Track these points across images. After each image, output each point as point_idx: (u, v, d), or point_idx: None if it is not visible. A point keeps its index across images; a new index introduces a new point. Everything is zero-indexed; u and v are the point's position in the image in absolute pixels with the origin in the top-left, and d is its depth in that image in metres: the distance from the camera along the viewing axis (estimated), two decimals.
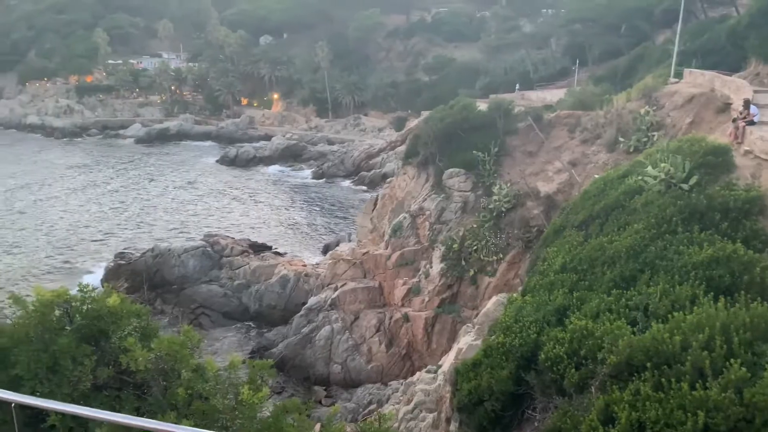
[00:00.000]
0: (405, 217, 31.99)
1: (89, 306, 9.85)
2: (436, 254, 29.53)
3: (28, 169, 73.13)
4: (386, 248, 32.36)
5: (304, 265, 39.01)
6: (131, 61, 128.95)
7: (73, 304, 10.00)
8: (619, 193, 16.69)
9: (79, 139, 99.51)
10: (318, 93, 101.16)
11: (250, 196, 62.65)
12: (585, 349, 10.01)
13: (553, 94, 49.45)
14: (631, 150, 24.99)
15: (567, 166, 27.41)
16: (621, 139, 26.02)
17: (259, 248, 42.81)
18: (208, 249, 40.28)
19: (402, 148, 49.26)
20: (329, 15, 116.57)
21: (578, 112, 30.68)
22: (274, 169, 76.53)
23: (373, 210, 38.88)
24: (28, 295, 10.02)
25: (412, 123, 65.96)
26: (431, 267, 29.60)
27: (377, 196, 40.93)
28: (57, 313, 9.23)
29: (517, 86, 63.37)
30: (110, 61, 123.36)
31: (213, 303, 36.75)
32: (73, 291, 10.76)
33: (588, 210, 17.08)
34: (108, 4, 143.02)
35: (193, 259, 39.38)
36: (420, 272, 30.05)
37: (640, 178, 16.58)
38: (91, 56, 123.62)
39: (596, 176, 21.58)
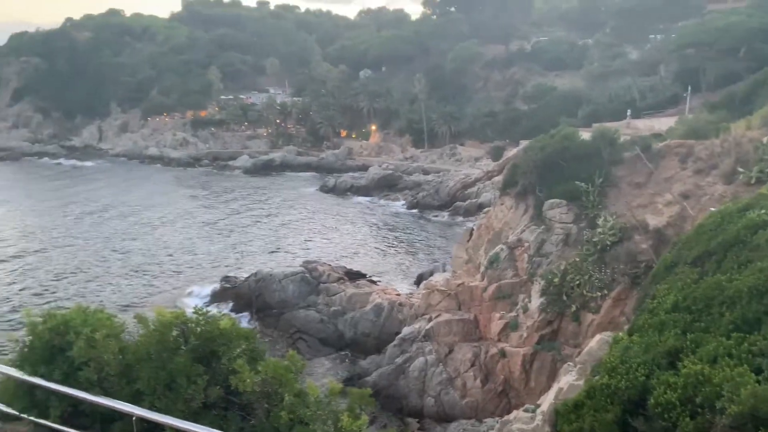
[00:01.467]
0: (502, 249, 31.52)
1: (203, 328, 10.46)
2: (536, 288, 28.75)
3: (145, 195, 79.54)
4: (482, 280, 31.97)
5: (398, 295, 39.15)
6: (241, 96, 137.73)
7: (189, 325, 10.64)
8: (739, 227, 15.52)
9: (192, 168, 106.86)
10: (415, 123, 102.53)
11: (347, 225, 64.15)
12: (701, 396, 9.31)
13: (661, 123, 47.09)
14: (753, 182, 23.20)
15: (678, 199, 25.82)
16: (740, 170, 24.25)
17: (354, 276, 43.52)
18: (307, 275, 41.51)
19: (499, 178, 48.65)
20: (427, 47, 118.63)
21: (691, 141, 28.95)
22: (369, 198, 78.06)
23: (468, 240, 38.49)
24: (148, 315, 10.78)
25: (510, 152, 65.10)
26: (530, 301, 28.83)
27: (473, 226, 40.52)
28: (174, 333, 9.86)
29: (629, 113, 60.77)
30: (222, 97, 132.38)
31: (310, 328, 37.66)
32: (189, 313, 11.46)
33: (704, 245, 16.00)
34: (221, 44, 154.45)
35: (293, 285, 40.70)
36: (518, 306, 29.38)
37: (764, 211, 15.33)
38: (206, 92, 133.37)
39: (712, 209, 20.18)
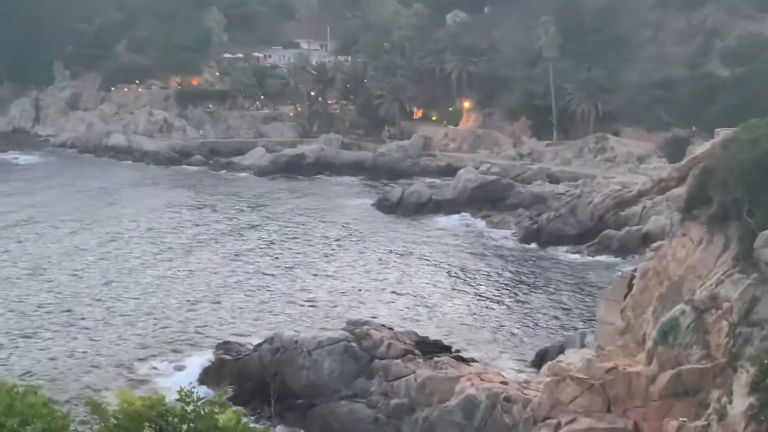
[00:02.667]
0: (684, 312, 31.33)
1: (193, 425, 10.69)
2: (741, 380, 28.32)
3: (104, 216, 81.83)
4: (648, 363, 31.80)
5: (504, 382, 38.72)
6: (255, 54, 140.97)
7: (171, 419, 10.87)
8: None
9: (178, 167, 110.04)
10: (536, 99, 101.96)
11: (419, 263, 64.09)
12: None
13: None
14: None
15: None
16: None
17: (430, 348, 43.36)
18: (353, 345, 41.63)
19: (680, 192, 47.52)
20: None
21: None
22: (458, 220, 77.85)
23: (625, 296, 38.01)
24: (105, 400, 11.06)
25: (700, 148, 63.44)
26: (730, 402, 28.41)
27: (633, 272, 39.80)
28: (148, 431, 10.13)
29: None
30: (226, 55, 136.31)
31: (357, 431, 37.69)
32: (170, 399, 11.73)
33: None
34: None
35: (330, 359, 40.89)
36: (709, 410, 29.04)
37: None
38: (200, 48, 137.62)
39: None
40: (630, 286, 38.19)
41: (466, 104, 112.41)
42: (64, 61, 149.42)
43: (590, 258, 65.02)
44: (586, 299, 54.35)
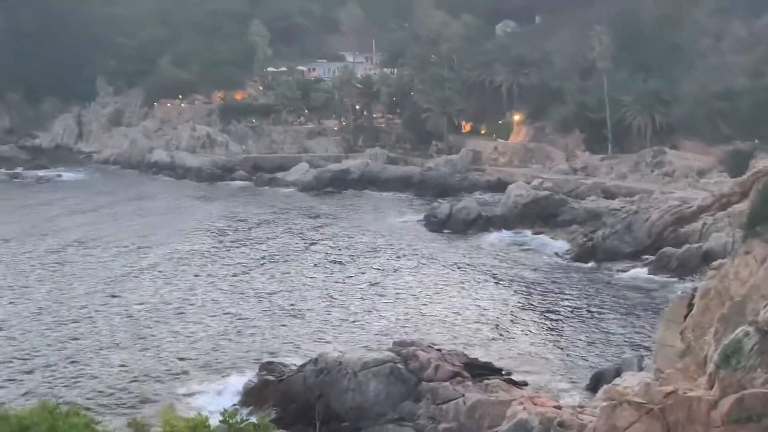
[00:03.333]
0: (747, 333, 30.41)
1: None
2: None
3: (145, 226, 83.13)
4: (710, 387, 30.85)
5: (558, 407, 38.16)
6: (299, 67, 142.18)
7: None
8: None
9: (221, 183, 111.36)
10: (590, 111, 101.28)
11: (468, 282, 63.61)
12: None
13: None
14: None
15: None
16: None
17: (480, 370, 42.97)
18: (400, 366, 41.37)
19: (742, 207, 46.91)
20: None
21: None
22: (508, 237, 77.34)
23: (685, 317, 37.30)
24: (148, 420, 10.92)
25: (762, 162, 62.45)
26: None
27: (693, 292, 39.05)
28: None
29: None
30: (270, 69, 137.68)
31: None
32: (214, 420, 11.55)
33: None
34: None
35: (376, 381, 40.69)
36: None
37: None
38: (244, 62, 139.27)
39: None
40: (690, 306, 37.48)
41: (517, 117, 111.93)
42: (106, 77, 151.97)
43: (648, 277, 63.88)
44: (644, 320, 53.36)
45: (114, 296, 61.04)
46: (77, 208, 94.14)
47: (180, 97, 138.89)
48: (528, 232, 78.45)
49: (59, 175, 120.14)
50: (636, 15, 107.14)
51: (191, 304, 58.87)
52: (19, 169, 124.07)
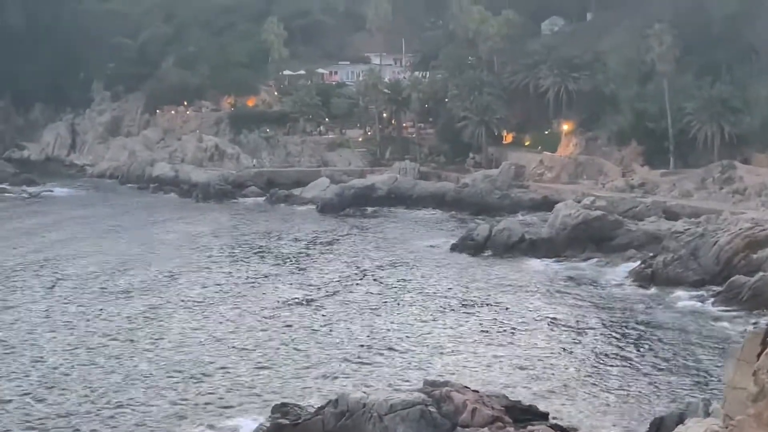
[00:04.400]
0: None
1: None
2: None
3: (144, 252, 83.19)
4: None
5: None
6: (319, 70, 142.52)
7: None
8: None
9: (231, 201, 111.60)
10: (649, 120, 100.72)
11: (509, 314, 62.98)
12: None
13: None
14: None
15: None
16: None
17: (523, 414, 42.51)
18: (431, 409, 40.92)
19: None
20: None
21: None
22: (556, 263, 76.76)
23: (758, 356, 36.36)
24: None
25: None
26: None
27: None
28: None
29: None
30: (286, 72, 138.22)
31: None
32: None
33: None
34: None
35: (405, 426, 40.23)
36: None
37: None
38: (257, 64, 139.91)
39: None
40: (764, 344, 36.60)
41: (565, 127, 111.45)
42: (104, 81, 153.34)
43: (715, 309, 62.77)
44: (711, 359, 52.40)
45: (108, 334, 61.01)
46: (65, 234, 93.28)
47: (185, 103, 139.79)
48: (578, 258, 77.93)
49: (50, 191, 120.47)
50: (702, 11, 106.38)
51: (194, 338, 58.73)
52: (5, 185, 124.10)
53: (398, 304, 66.38)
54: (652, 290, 68.02)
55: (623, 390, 49.40)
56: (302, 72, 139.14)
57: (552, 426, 42.05)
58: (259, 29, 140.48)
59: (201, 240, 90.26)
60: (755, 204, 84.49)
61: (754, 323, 53.77)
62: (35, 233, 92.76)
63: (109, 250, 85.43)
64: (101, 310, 65.72)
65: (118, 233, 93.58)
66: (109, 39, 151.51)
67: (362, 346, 57.11)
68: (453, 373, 49.91)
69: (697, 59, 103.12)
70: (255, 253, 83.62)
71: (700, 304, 64.57)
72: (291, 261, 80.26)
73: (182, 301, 68.37)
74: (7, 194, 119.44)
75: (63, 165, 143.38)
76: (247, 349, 56.50)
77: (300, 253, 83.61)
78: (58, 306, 66.39)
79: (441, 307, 65.57)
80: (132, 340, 58.23)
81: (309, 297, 68.35)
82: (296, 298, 68.10)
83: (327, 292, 69.88)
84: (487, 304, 65.62)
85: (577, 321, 61.79)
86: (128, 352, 56.14)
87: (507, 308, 64.74)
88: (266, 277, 74.80)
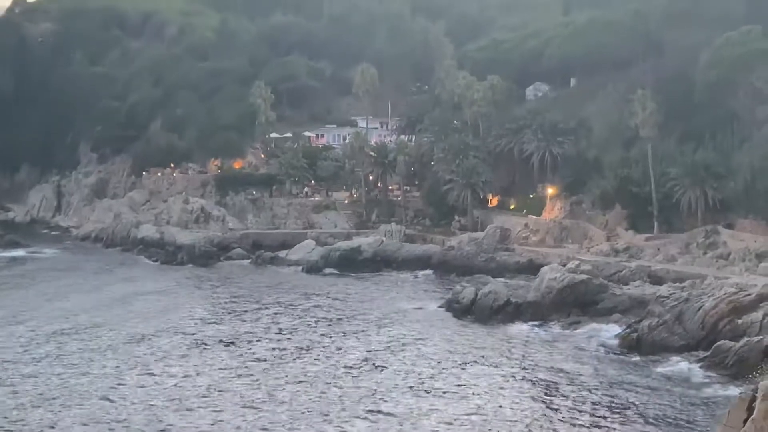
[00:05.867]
0: None
1: None
2: None
3: (116, 321, 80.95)
4: None
5: None
6: (306, 133, 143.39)
7: None
8: None
9: (216, 263, 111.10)
10: (633, 185, 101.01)
11: (494, 378, 62.78)
12: None
13: None
14: None
15: None
16: None
17: None
18: None
19: None
20: (657, 42, 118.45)
21: None
22: (541, 327, 76.50)
23: (744, 422, 36.28)
24: None
25: None
26: None
27: (754, 392, 38.20)
28: None
29: None
30: (273, 135, 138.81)
31: None
32: None
33: None
34: (275, 41, 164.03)
35: None
36: None
37: None
38: (244, 127, 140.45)
39: None
40: (750, 409, 36.56)
41: (550, 191, 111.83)
42: (91, 143, 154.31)
43: (701, 375, 62.61)
44: (697, 425, 52.14)
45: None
46: (42, 298, 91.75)
47: (172, 165, 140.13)
48: (563, 322, 77.64)
49: (33, 254, 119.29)
50: (685, 78, 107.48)
51: (176, 411, 57.70)
52: None
53: (380, 368, 65.76)
54: (638, 355, 67.76)
55: None
56: (289, 135, 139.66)
57: None
58: (246, 92, 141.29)
59: (178, 302, 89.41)
60: (739, 269, 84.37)
61: (740, 389, 53.51)
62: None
63: (77, 310, 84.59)
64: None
65: (91, 294, 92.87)
66: (98, 102, 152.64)
67: (340, 417, 56.48)
68: None
69: (680, 125, 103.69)
70: (236, 315, 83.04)
71: (686, 369, 64.27)
72: (274, 323, 79.76)
73: (148, 363, 67.79)
74: None
75: (48, 227, 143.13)
76: (228, 411, 55.98)
77: (282, 315, 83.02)
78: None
79: (423, 374, 64.99)
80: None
81: (288, 358, 67.84)
82: (276, 359, 67.59)
83: (307, 354, 69.23)
84: (471, 369, 65.12)
85: (562, 387, 61.38)
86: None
87: (490, 373, 64.34)
88: (248, 340, 73.99)
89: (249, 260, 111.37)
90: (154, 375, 64.07)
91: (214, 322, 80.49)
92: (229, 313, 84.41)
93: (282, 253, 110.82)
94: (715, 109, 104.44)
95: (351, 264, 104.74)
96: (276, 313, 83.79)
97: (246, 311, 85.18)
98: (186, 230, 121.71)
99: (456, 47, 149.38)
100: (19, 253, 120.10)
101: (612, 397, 59.62)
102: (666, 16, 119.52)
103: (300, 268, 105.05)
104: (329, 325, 79.10)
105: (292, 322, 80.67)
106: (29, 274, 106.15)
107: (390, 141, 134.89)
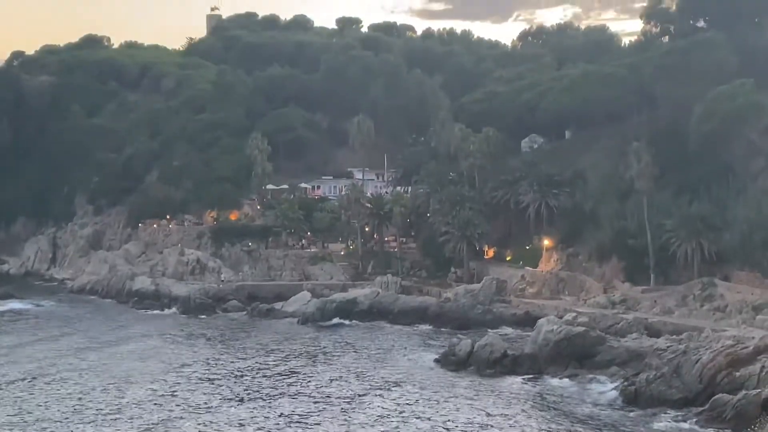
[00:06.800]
0: None
1: None
2: None
3: (111, 381, 79.46)
4: None
5: None
6: (302, 185, 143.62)
7: None
8: None
9: (211, 315, 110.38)
10: (629, 237, 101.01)
11: None
12: None
13: None
14: None
15: None
16: None
17: None
18: None
19: None
20: (651, 95, 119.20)
21: None
22: (538, 380, 76.26)
23: None
24: None
25: None
26: None
27: None
28: None
29: None
30: (269, 187, 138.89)
31: None
32: None
33: None
34: (272, 94, 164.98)
35: None
36: None
37: None
38: (241, 179, 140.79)
39: None
40: None
41: (546, 242, 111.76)
42: (88, 195, 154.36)
43: (700, 429, 62.37)
44: None
45: None
46: (31, 354, 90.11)
47: (168, 217, 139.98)
48: (561, 375, 77.23)
49: (25, 307, 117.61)
50: (679, 131, 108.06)
51: None
52: None
53: (374, 423, 65.39)
54: (636, 409, 67.35)
55: None
56: (285, 186, 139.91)
57: None
58: (243, 144, 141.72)
59: (167, 358, 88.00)
60: (736, 321, 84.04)
61: None
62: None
63: (79, 374, 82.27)
64: None
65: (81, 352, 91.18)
66: (95, 154, 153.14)
67: None
68: None
69: (676, 177, 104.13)
70: (228, 371, 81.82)
71: (684, 424, 63.93)
72: (267, 378, 79.10)
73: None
74: None
75: (43, 279, 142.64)
76: None
77: (276, 370, 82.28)
78: None
79: (419, 428, 64.59)
80: None
81: (281, 416, 67.32)
82: (268, 417, 67.03)
83: (301, 410, 68.64)
84: (468, 425, 64.80)
85: None
86: None
87: (488, 428, 63.97)
88: (239, 399, 73.14)
89: (244, 312, 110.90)
90: None
91: (203, 380, 79.43)
92: (220, 369, 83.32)
93: (278, 305, 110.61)
94: (710, 162, 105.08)
95: (347, 316, 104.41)
96: (271, 366, 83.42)
97: (236, 367, 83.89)
98: (181, 282, 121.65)
99: (452, 99, 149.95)
100: (14, 305, 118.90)
101: None
102: (659, 70, 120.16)
103: (296, 320, 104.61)
104: (323, 379, 78.19)
105: (286, 375, 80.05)
106: (30, 329, 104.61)
107: (386, 192, 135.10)
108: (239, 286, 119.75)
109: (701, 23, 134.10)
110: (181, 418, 66.40)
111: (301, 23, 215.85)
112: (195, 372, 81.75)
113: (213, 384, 77.13)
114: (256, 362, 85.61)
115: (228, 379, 78.94)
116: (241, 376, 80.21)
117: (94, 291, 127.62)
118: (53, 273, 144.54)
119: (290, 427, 64.09)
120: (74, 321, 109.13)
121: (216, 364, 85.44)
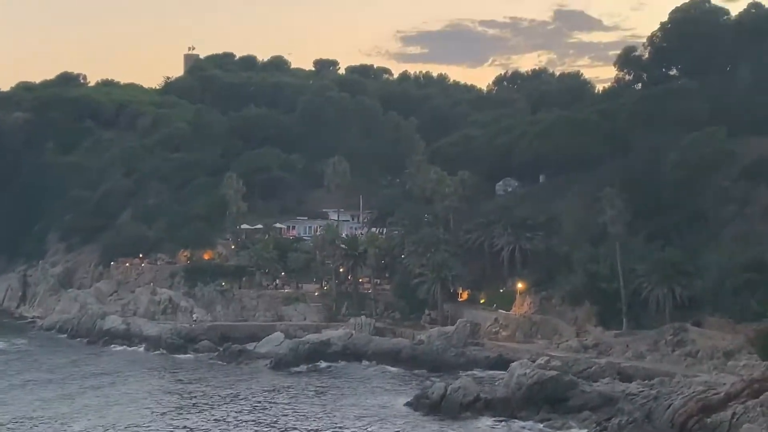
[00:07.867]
0: None
1: None
2: None
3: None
4: None
5: None
6: (277, 225, 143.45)
7: None
8: None
9: (183, 356, 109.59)
10: (602, 281, 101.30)
11: None
12: None
13: None
14: None
15: None
16: None
17: None
18: None
19: None
20: (625, 141, 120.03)
21: None
22: (511, 424, 75.97)
23: None
24: None
25: None
26: None
27: None
28: None
29: None
30: (244, 226, 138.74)
31: None
32: None
33: None
34: (248, 134, 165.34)
35: None
36: None
37: None
38: (215, 218, 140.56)
39: None
40: None
41: (520, 285, 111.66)
42: (60, 232, 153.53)
43: None
44: None
45: None
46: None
47: (140, 255, 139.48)
48: (533, 419, 76.99)
49: None
50: (651, 178, 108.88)
51: None
52: None
53: None
54: None
55: None
56: (260, 226, 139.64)
57: None
58: (218, 183, 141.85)
59: (134, 401, 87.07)
60: (707, 367, 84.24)
61: None
62: None
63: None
64: None
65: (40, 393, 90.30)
66: (68, 191, 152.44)
67: None
68: None
69: (648, 223, 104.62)
70: (194, 417, 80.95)
71: None
72: (237, 425, 78.37)
73: None
74: None
75: (12, 317, 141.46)
76: None
77: (245, 415, 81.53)
78: None
79: None
80: None
81: None
82: None
83: None
84: None
85: None
86: None
87: None
88: None
89: (216, 353, 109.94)
90: None
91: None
92: (183, 417, 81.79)
93: (250, 346, 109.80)
94: (682, 208, 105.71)
95: (320, 357, 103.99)
96: (241, 412, 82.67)
97: (203, 411, 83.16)
98: (153, 321, 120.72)
99: (427, 142, 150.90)
100: None
101: None
102: (632, 116, 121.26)
103: (268, 361, 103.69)
104: (293, 425, 77.62)
105: (255, 421, 79.42)
106: None
107: (361, 234, 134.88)
108: (211, 326, 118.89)
109: (673, 71, 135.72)
110: None
111: (278, 64, 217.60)
112: (152, 410, 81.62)
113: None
114: (222, 405, 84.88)
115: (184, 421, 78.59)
116: (199, 418, 79.83)
117: (63, 330, 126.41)
118: (22, 311, 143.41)
119: None
120: (45, 359, 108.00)
121: (178, 402, 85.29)
